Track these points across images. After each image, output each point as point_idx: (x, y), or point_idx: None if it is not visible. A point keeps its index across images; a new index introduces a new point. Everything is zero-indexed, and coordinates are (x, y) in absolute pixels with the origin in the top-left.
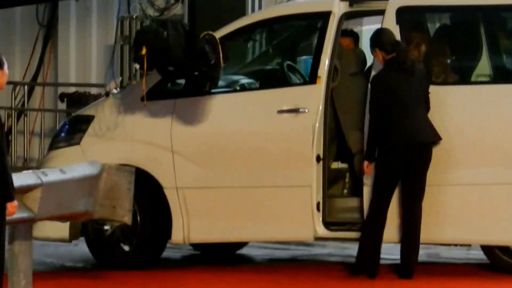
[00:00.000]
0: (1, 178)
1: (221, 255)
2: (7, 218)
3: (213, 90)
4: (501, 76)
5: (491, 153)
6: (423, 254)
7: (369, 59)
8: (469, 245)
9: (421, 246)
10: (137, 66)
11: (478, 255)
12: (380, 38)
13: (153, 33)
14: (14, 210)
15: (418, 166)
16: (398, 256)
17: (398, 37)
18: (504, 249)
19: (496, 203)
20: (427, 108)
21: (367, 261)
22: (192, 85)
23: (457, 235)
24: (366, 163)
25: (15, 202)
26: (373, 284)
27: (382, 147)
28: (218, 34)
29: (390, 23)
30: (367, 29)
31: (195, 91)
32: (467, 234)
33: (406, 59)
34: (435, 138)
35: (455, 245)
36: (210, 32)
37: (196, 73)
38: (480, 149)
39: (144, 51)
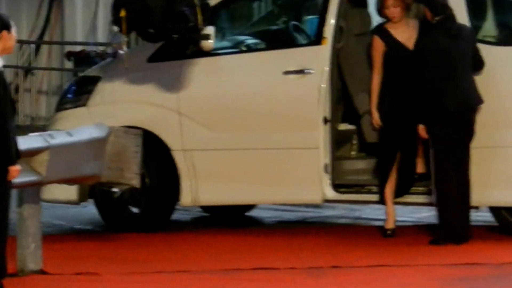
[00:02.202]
0: (1, 141)
1: (230, 217)
2: (15, 181)
3: (219, 51)
4: None
5: None
6: (430, 216)
7: (375, 19)
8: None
9: (424, 207)
10: (116, 28)
11: (486, 217)
12: None
13: None
14: (15, 174)
15: (468, 130)
16: (406, 218)
17: None
18: (511, 211)
19: None
20: (481, 65)
21: (456, 227)
22: (173, 47)
23: (506, 197)
24: (422, 126)
25: (17, 166)
26: (384, 245)
27: (434, 112)
28: None
29: None
30: None
31: (202, 53)
32: None
33: (452, 24)
34: (481, 101)
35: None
36: None
37: (175, 36)
38: None
39: (123, 13)
